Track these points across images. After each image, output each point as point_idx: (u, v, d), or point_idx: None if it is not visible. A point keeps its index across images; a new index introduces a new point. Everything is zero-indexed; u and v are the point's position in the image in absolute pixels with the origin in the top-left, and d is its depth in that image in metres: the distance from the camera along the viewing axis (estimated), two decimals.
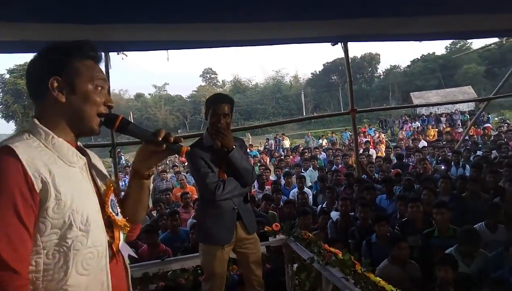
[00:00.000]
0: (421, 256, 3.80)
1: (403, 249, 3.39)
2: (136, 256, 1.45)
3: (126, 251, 1.26)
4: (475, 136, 13.21)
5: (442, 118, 22.21)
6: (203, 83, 55.09)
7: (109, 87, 1.26)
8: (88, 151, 1.25)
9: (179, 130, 42.72)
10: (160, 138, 1.18)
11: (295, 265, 3.12)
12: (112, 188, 1.20)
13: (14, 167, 0.95)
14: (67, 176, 1.04)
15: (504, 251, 3.32)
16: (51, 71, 1.10)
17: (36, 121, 1.10)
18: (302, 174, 8.27)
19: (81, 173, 1.11)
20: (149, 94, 56.49)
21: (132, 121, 1.25)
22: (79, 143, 1.21)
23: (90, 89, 1.13)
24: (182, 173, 10.48)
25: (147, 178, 1.28)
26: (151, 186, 9.65)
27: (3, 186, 0.93)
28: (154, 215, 6.34)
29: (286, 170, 9.50)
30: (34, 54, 1.16)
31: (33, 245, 0.97)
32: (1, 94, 33.60)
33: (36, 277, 0.98)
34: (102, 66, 1.23)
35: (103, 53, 1.22)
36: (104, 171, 1.29)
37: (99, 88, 1.15)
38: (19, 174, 0.95)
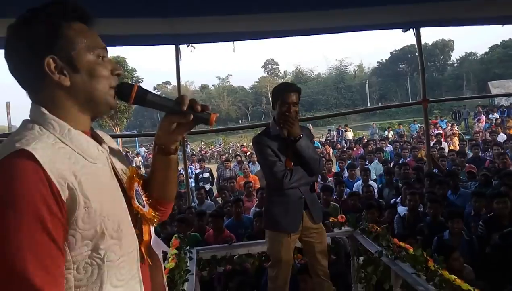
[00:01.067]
0: (497, 253, 3.54)
1: (456, 260, 3.13)
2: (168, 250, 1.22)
3: (160, 247, 1.13)
4: None
5: None
6: (265, 74, 55.41)
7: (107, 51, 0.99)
8: (100, 132, 1.06)
9: (240, 121, 43.53)
10: (185, 107, 1.00)
11: (361, 258, 3.06)
12: (135, 178, 1.02)
13: (35, 176, 0.77)
14: (92, 176, 0.87)
15: None
16: (42, 49, 0.87)
17: (45, 110, 0.89)
18: (366, 166, 8.02)
19: (104, 168, 0.94)
20: (213, 85, 58.23)
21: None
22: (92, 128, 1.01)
23: (93, 61, 0.92)
24: (244, 162, 10.69)
25: (174, 152, 1.09)
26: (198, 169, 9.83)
27: (26, 200, 0.75)
28: (219, 201, 6.57)
29: (349, 162, 9.28)
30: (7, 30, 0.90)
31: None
32: None
33: None
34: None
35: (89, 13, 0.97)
36: (122, 154, 1.11)
37: (100, 57, 0.94)
38: (42, 183, 0.77)
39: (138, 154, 20.41)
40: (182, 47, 5.09)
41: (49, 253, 0.77)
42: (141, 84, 1.13)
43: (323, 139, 19.49)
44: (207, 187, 8.92)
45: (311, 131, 3.22)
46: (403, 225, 4.73)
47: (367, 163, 8.77)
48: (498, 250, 3.65)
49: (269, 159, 2.49)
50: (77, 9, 0.93)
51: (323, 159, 9.66)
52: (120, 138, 18.79)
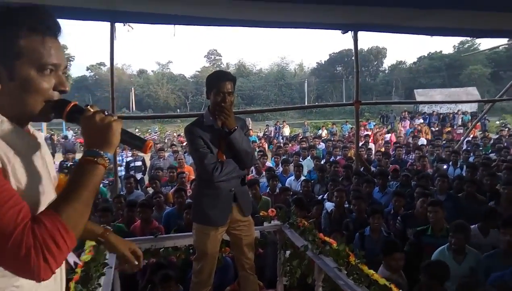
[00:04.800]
0: (411, 251, 3.82)
1: (399, 260, 3.24)
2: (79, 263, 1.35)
3: (71, 257, 1.18)
4: (477, 138, 13.16)
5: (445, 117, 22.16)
6: (207, 64, 54.71)
7: (65, 66, 1.01)
8: (38, 134, 1.09)
9: (178, 110, 42.54)
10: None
11: (288, 252, 3.11)
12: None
13: None
14: (26, 167, 0.93)
15: (498, 252, 3.33)
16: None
17: None
18: (300, 162, 8.24)
19: (35, 163, 0.99)
20: (152, 71, 56.13)
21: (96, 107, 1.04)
22: (30, 128, 1.05)
23: (32, 76, 0.93)
24: (180, 153, 10.43)
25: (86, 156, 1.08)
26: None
27: None
28: (150, 192, 6.32)
29: (284, 157, 9.48)
30: None
31: None
32: None
33: None
34: (61, 39, 0.99)
35: (60, 23, 0.98)
36: (53, 163, 1.14)
37: (48, 70, 0.95)
38: None
39: (65, 137, 19.01)
40: (118, 26, 4.78)
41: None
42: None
43: (261, 134, 19.73)
44: (139, 176, 8.56)
45: (246, 123, 3.19)
46: (329, 220, 4.92)
47: (301, 159, 9.02)
48: (413, 247, 3.93)
49: (200, 150, 2.40)
50: (44, 21, 0.94)
51: (260, 153, 9.82)
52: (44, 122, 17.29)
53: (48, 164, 1.07)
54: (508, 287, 2.73)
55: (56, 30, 0.96)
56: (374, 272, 2.05)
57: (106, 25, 4.78)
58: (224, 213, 2.47)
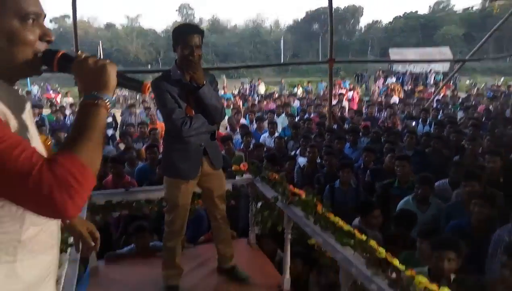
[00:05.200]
0: (377, 202, 4.00)
1: (377, 217, 3.30)
2: None
3: None
4: (447, 96, 13.51)
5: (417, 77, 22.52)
6: (179, 19, 52.58)
7: (45, 15, 0.97)
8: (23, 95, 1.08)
9: (150, 66, 41.13)
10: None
11: (259, 203, 3.18)
12: (48, 144, 1.06)
13: None
14: (20, 124, 0.92)
15: (459, 202, 3.53)
16: None
17: None
18: (274, 120, 8.27)
19: (28, 119, 0.98)
20: (120, 24, 53.50)
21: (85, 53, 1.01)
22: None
23: (15, 27, 0.89)
24: (152, 109, 10.22)
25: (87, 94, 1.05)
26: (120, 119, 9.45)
27: None
28: (121, 148, 6.23)
29: (259, 114, 9.47)
30: None
31: None
32: None
33: None
34: None
35: None
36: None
37: (30, 20, 0.91)
38: None
39: (28, 92, 18.16)
40: None
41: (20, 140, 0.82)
42: None
43: (235, 92, 19.50)
44: (110, 132, 8.38)
45: (220, 84, 3.12)
46: (302, 174, 5.04)
47: (275, 117, 9.04)
48: (380, 199, 4.11)
49: (168, 105, 2.34)
50: None
51: (235, 110, 9.75)
52: None
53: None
54: (463, 233, 2.93)
55: None
56: (339, 220, 2.14)
57: None
58: (194, 167, 2.47)
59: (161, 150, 5.56)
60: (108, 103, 0.94)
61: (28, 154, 0.79)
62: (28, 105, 1.01)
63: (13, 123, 0.88)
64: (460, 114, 8.89)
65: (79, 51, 1.01)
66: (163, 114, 2.46)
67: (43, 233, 0.97)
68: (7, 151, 0.77)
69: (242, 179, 3.30)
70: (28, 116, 0.99)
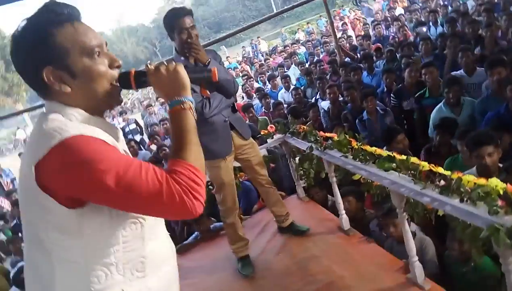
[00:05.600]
0: (418, 117, 3.98)
1: (401, 141, 3.20)
2: None
3: None
4: None
5: None
6: (162, 4, 51.51)
7: (106, 43, 1.03)
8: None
9: (149, 61, 41.09)
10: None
11: (297, 158, 3.27)
12: None
13: (97, 139, 0.91)
14: (122, 149, 1.02)
15: (490, 94, 3.46)
16: (38, 62, 0.94)
17: (62, 104, 0.97)
18: (286, 73, 8.20)
19: (124, 145, 1.09)
20: (109, 29, 53.26)
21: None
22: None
23: (88, 64, 0.96)
24: None
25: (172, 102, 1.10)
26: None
27: (110, 154, 0.90)
28: (154, 149, 6.44)
29: (269, 73, 9.39)
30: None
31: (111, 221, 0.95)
32: None
33: (116, 249, 0.96)
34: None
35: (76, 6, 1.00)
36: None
37: (96, 53, 0.98)
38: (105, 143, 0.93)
39: None
40: None
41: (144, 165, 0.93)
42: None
43: (239, 58, 19.25)
44: (138, 137, 8.64)
45: (222, 54, 3.16)
46: (329, 117, 5.06)
47: (286, 69, 8.94)
48: (419, 112, 4.06)
49: None
50: (63, 10, 0.96)
51: (245, 77, 9.72)
52: (27, 113, 16.89)
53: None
54: (502, 121, 2.90)
55: (77, 14, 0.99)
56: (376, 148, 2.19)
57: None
58: (226, 143, 2.57)
59: None
60: (191, 104, 1.04)
61: (153, 173, 0.90)
62: (121, 134, 1.12)
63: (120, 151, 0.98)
64: (470, 3, 8.40)
65: (148, 63, 1.07)
66: None
67: (161, 245, 1.08)
68: (137, 176, 0.89)
69: (274, 140, 3.39)
70: (122, 143, 1.10)
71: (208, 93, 2.46)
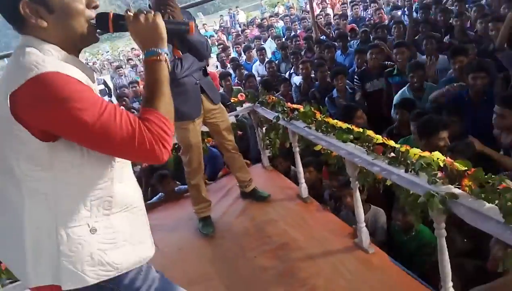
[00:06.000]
0: (386, 95, 4.14)
1: (359, 117, 3.27)
2: None
3: None
4: None
5: None
6: None
7: None
8: None
9: (128, 7, 39.41)
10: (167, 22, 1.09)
11: (264, 128, 3.37)
12: None
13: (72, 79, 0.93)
14: (95, 89, 1.04)
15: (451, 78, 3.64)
16: None
17: (39, 40, 0.98)
18: (262, 46, 8.17)
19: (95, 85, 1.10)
20: None
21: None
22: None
23: (64, 1, 0.97)
24: (139, 65, 10.13)
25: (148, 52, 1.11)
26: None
27: (86, 94, 0.93)
28: None
29: (245, 44, 9.33)
30: None
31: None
32: None
33: (85, 185, 1.02)
34: None
35: None
36: None
37: None
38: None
39: None
40: None
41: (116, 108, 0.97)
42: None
43: (216, 27, 18.87)
44: (106, 99, 8.44)
45: (199, 22, 3.14)
46: (300, 92, 5.16)
47: (262, 42, 8.91)
48: (387, 90, 4.22)
49: None
50: None
51: (221, 46, 9.60)
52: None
53: None
54: (458, 105, 3.08)
55: None
56: (338, 121, 2.31)
57: None
58: (195, 106, 2.61)
59: None
60: (166, 55, 1.08)
61: (126, 118, 0.95)
62: (95, 76, 1.14)
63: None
64: None
65: (126, 9, 1.08)
66: None
67: (128, 188, 1.12)
68: (112, 119, 0.93)
69: (243, 108, 3.45)
70: (96, 85, 1.10)
71: (180, 54, 2.47)
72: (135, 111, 5.54)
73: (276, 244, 2.49)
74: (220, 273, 2.35)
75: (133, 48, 17.65)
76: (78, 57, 1.07)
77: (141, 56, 13.65)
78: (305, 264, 2.25)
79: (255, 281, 2.23)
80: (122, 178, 1.09)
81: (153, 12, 1.06)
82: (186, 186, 3.36)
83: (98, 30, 1.06)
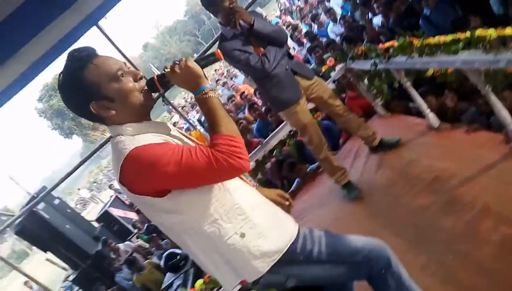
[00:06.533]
0: None
1: (475, 21, 2.84)
2: None
3: None
4: None
5: None
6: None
7: (125, 64, 1.22)
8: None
9: (195, 54, 42.16)
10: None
11: (365, 80, 3.31)
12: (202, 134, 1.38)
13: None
14: (175, 137, 1.23)
15: None
16: (83, 103, 1.17)
17: (117, 125, 1.20)
18: (328, 6, 7.91)
19: (176, 132, 1.30)
20: (152, 38, 55.41)
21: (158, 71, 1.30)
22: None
23: (118, 87, 1.17)
24: (227, 80, 10.72)
25: (195, 93, 1.24)
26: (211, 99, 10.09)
27: (163, 151, 1.11)
28: None
29: (312, 12, 9.13)
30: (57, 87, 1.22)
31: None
32: (49, 121, 35.77)
33: (214, 207, 1.20)
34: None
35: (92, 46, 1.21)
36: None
37: (120, 75, 1.17)
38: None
39: None
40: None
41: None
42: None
43: (277, 13, 18.80)
44: None
45: (258, 12, 3.28)
46: (388, 29, 4.86)
47: (327, 2, 8.61)
48: None
49: (242, 58, 2.59)
50: (82, 55, 1.17)
51: (289, 27, 9.58)
52: None
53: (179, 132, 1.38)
54: None
55: (92, 51, 1.19)
56: (439, 36, 2.17)
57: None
58: (294, 89, 2.72)
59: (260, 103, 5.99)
60: (211, 89, 1.23)
61: (200, 152, 1.11)
62: (170, 125, 1.34)
63: (175, 141, 1.20)
64: None
65: (165, 66, 1.21)
66: (243, 68, 2.74)
67: (245, 193, 1.29)
68: (189, 158, 1.10)
69: (337, 71, 3.44)
70: (175, 131, 1.31)
71: (262, 50, 2.62)
72: (242, 121, 5.93)
73: (427, 181, 2.42)
74: (384, 226, 2.37)
75: (215, 69, 18.74)
76: (150, 120, 1.27)
77: (224, 73, 14.45)
78: (465, 188, 2.15)
79: (421, 221, 2.20)
80: (234, 187, 1.25)
81: (184, 59, 1.20)
82: (316, 163, 3.50)
83: (152, 94, 1.24)
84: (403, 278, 1.37)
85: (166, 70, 1.21)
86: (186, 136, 1.35)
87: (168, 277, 4.58)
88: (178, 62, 1.19)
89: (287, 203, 1.61)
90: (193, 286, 2.74)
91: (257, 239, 1.24)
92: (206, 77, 1.22)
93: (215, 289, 2.46)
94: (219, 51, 1.25)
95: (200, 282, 2.53)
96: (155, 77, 1.21)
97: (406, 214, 2.35)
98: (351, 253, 1.34)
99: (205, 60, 1.25)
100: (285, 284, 1.32)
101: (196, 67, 1.19)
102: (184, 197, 1.17)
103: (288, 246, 1.28)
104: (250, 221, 1.24)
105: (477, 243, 1.82)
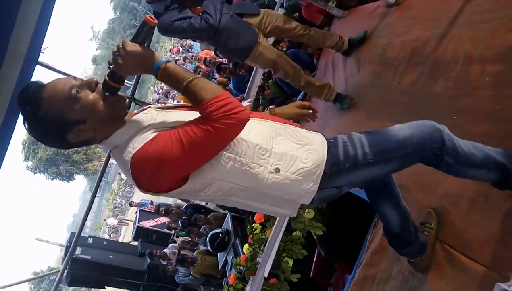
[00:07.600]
0: None
1: None
2: None
3: None
4: None
5: None
6: None
7: (74, 77, 1.18)
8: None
9: (108, 60, 40.67)
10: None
11: None
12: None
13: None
14: (164, 120, 1.17)
15: None
16: (60, 139, 1.14)
17: (104, 142, 1.18)
18: None
19: (162, 114, 1.21)
20: (96, 49, 53.60)
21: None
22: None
23: (80, 106, 1.11)
24: (186, 56, 10.45)
25: (152, 73, 1.16)
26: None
27: (160, 143, 1.08)
28: None
29: None
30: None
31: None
32: (45, 174, 35.55)
33: (239, 160, 1.17)
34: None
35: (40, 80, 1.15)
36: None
37: (75, 93, 1.11)
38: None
39: None
40: None
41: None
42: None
43: None
44: None
45: None
46: None
47: None
48: None
49: (185, 26, 2.48)
50: (29, 94, 1.10)
51: None
52: None
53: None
54: None
55: (37, 85, 1.12)
56: None
57: None
58: (248, 32, 2.66)
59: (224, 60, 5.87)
60: (163, 61, 1.11)
61: (194, 127, 1.07)
62: (153, 112, 1.22)
63: (167, 126, 1.14)
64: None
65: (108, 61, 1.13)
66: (192, 35, 2.72)
67: (258, 131, 1.22)
68: (188, 137, 1.06)
69: None
70: (161, 113, 1.22)
71: (200, 8, 2.53)
72: (213, 80, 5.85)
73: (406, 58, 2.40)
74: (387, 117, 2.39)
75: (170, 49, 18.22)
76: (129, 119, 1.19)
77: (180, 50, 14.05)
78: (443, 47, 2.11)
79: (416, 96, 2.22)
80: (245, 133, 1.16)
81: (120, 46, 1.09)
82: (302, 92, 3.49)
83: (114, 94, 1.15)
84: (460, 152, 1.29)
85: (111, 67, 1.12)
86: (174, 107, 1.31)
87: (221, 257, 4.74)
88: (118, 53, 1.09)
89: (310, 111, 1.56)
90: (243, 252, 2.86)
91: (291, 165, 1.22)
92: (153, 52, 1.11)
93: (259, 246, 2.55)
94: (147, 16, 1.12)
95: (246, 246, 2.63)
96: (106, 78, 1.13)
97: (400, 96, 2.37)
98: (400, 145, 1.26)
99: (141, 34, 1.12)
100: (340, 193, 1.30)
101: (136, 48, 1.08)
102: (206, 169, 1.15)
103: (326, 154, 1.24)
104: (275, 153, 1.22)
105: (473, 93, 1.82)
